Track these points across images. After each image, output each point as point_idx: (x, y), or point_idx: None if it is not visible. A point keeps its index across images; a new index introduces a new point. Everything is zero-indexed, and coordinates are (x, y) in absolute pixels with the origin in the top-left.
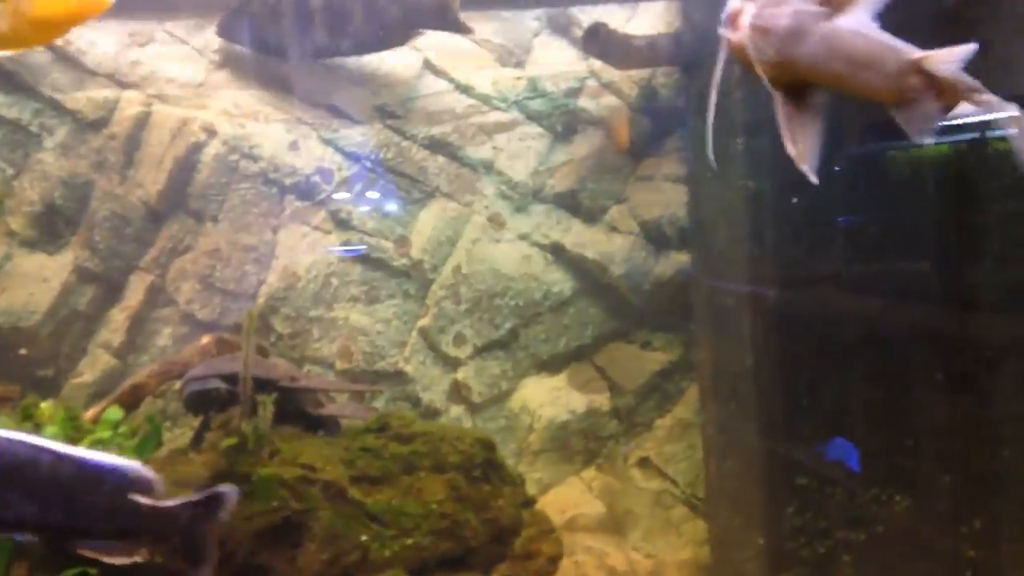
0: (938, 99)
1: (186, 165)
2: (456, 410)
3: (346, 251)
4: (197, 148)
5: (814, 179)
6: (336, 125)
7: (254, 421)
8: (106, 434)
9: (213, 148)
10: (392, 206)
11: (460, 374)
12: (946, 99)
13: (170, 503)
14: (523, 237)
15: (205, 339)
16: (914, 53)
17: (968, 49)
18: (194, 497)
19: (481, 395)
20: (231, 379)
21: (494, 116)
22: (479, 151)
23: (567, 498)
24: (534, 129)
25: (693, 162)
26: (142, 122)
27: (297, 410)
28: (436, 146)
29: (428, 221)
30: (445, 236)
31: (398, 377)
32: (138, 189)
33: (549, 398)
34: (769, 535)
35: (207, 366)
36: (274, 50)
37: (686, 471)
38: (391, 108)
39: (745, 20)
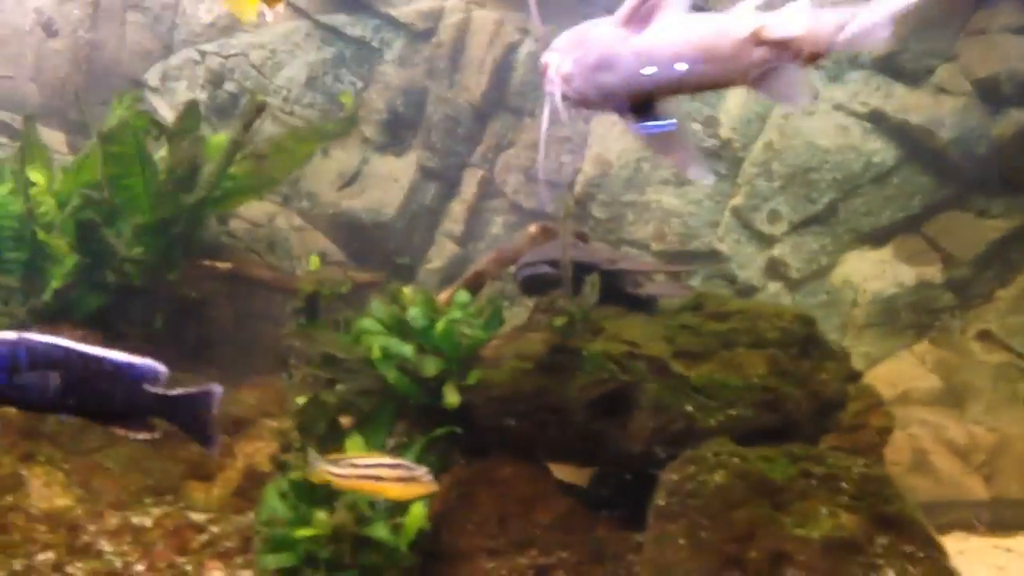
0: (796, 59)
1: (504, 65)
2: (773, 287)
3: (654, 127)
4: (512, 48)
5: (710, 178)
6: None
7: (578, 300)
8: (457, 314)
9: (527, 47)
10: None
11: (776, 251)
12: (803, 58)
13: (173, 392)
14: (838, 107)
15: (533, 228)
16: (746, 28)
17: (802, 3)
18: (191, 389)
19: (799, 271)
20: (558, 264)
21: None
22: None
23: (898, 372)
24: None
25: None
26: (464, 28)
27: (618, 290)
28: None
29: (736, 99)
30: (754, 113)
31: (712, 256)
32: (464, 92)
33: (874, 271)
34: None
35: (536, 252)
36: None
37: None
38: None
39: (559, 70)
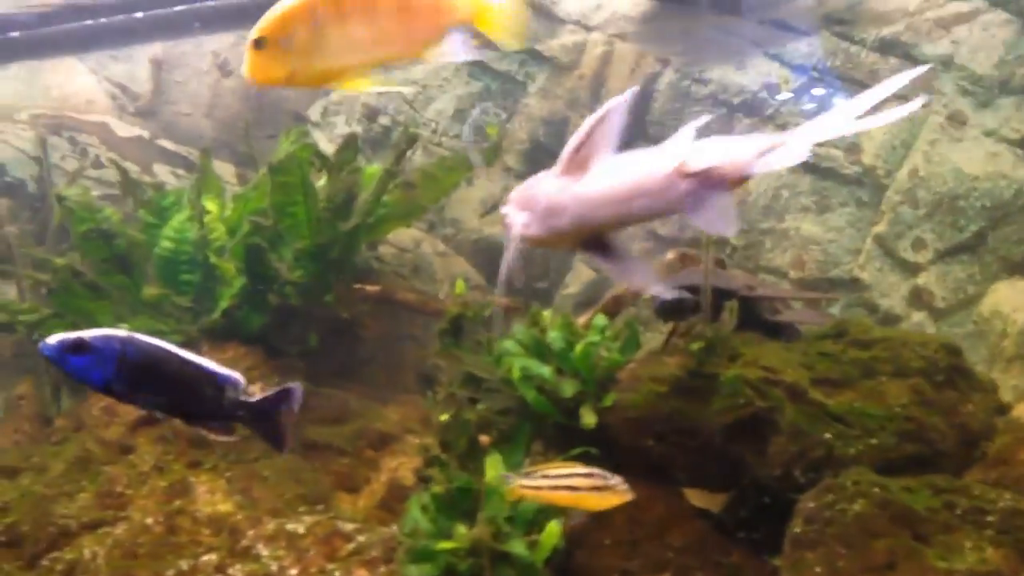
0: (721, 186)
1: (644, 95)
2: (917, 316)
3: None
4: (653, 78)
5: (671, 295)
6: (782, 39)
7: (717, 326)
8: (596, 338)
9: (667, 77)
10: None
11: (921, 279)
12: (727, 184)
13: (253, 398)
14: (989, 133)
15: (670, 255)
16: (671, 163)
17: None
18: (269, 392)
19: (945, 300)
20: (695, 290)
21: (952, 7)
22: (936, 47)
23: None
24: (999, 16)
25: None
26: (605, 60)
27: (756, 317)
28: (887, 47)
29: (880, 126)
30: (899, 140)
31: (853, 284)
32: None
33: None
34: None
35: (675, 278)
36: None
37: None
38: (838, 15)
39: (516, 220)
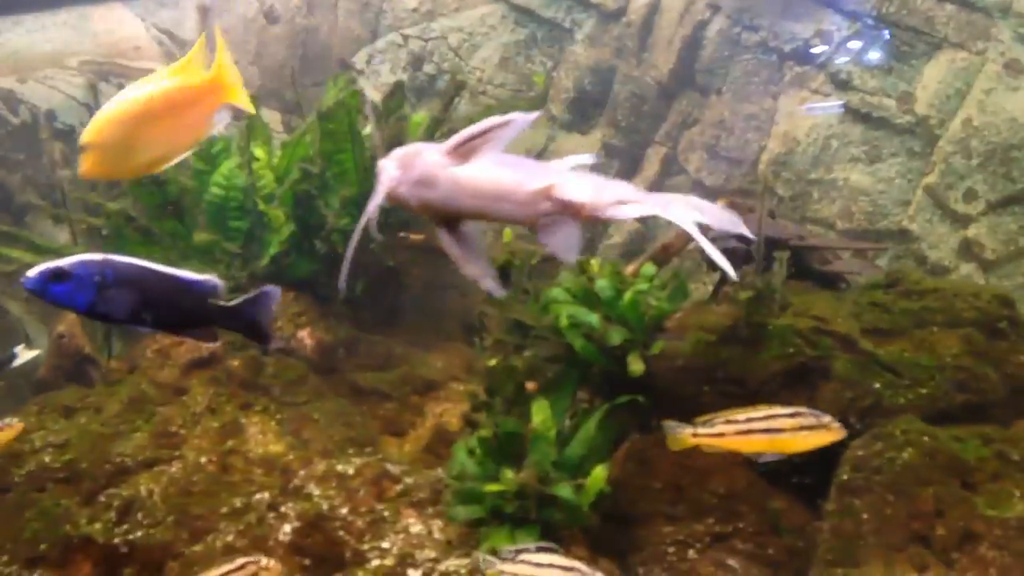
0: (574, 219)
1: (692, 43)
2: (966, 268)
3: (823, 108)
4: (702, 26)
5: (498, 292)
6: None
7: (767, 276)
8: (644, 286)
9: (717, 24)
10: (894, 62)
11: (971, 231)
12: (581, 218)
13: (234, 303)
14: None
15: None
16: (542, 182)
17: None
18: (249, 295)
19: (995, 252)
20: (744, 239)
21: None
22: None
23: None
24: None
25: None
26: (654, 7)
27: (806, 267)
28: None
29: (934, 74)
30: (953, 89)
31: (902, 235)
32: (652, 70)
33: None
34: None
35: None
36: None
37: None
38: None
39: (389, 174)
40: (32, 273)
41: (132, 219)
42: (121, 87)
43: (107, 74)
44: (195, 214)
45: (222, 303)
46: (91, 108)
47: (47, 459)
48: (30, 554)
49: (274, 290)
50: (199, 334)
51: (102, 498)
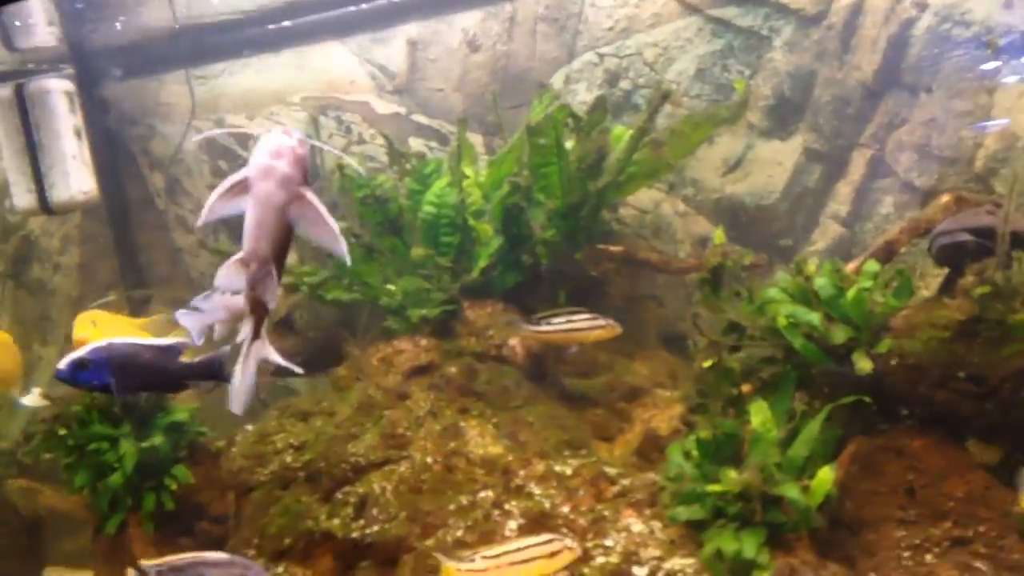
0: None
1: (899, 42)
2: None
3: (980, 125)
4: (909, 24)
5: (347, 259)
6: None
7: (1009, 272)
8: (867, 283)
9: (925, 21)
10: None
11: None
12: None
13: (206, 358)
14: None
15: (945, 197)
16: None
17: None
18: (210, 355)
19: None
20: (978, 232)
21: None
22: None
23: None
24: None
25: None
26: (857, 8)
27: None
28: None
29: None
30: None
31: None
32: (855, 71)
33: None
34: None
35: (953, 221)
36: None
37: None
38: None
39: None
40: (62, 366)
41: (358, 235)
42: (338, 119)
43: (325, 108)
44: (411, 231)
45: (197, 358)
46: (312, 139)
47: (288, 459)
48: (276, 548)
49: (223, 353)
50: (175, 389)
51: (339, 495)
